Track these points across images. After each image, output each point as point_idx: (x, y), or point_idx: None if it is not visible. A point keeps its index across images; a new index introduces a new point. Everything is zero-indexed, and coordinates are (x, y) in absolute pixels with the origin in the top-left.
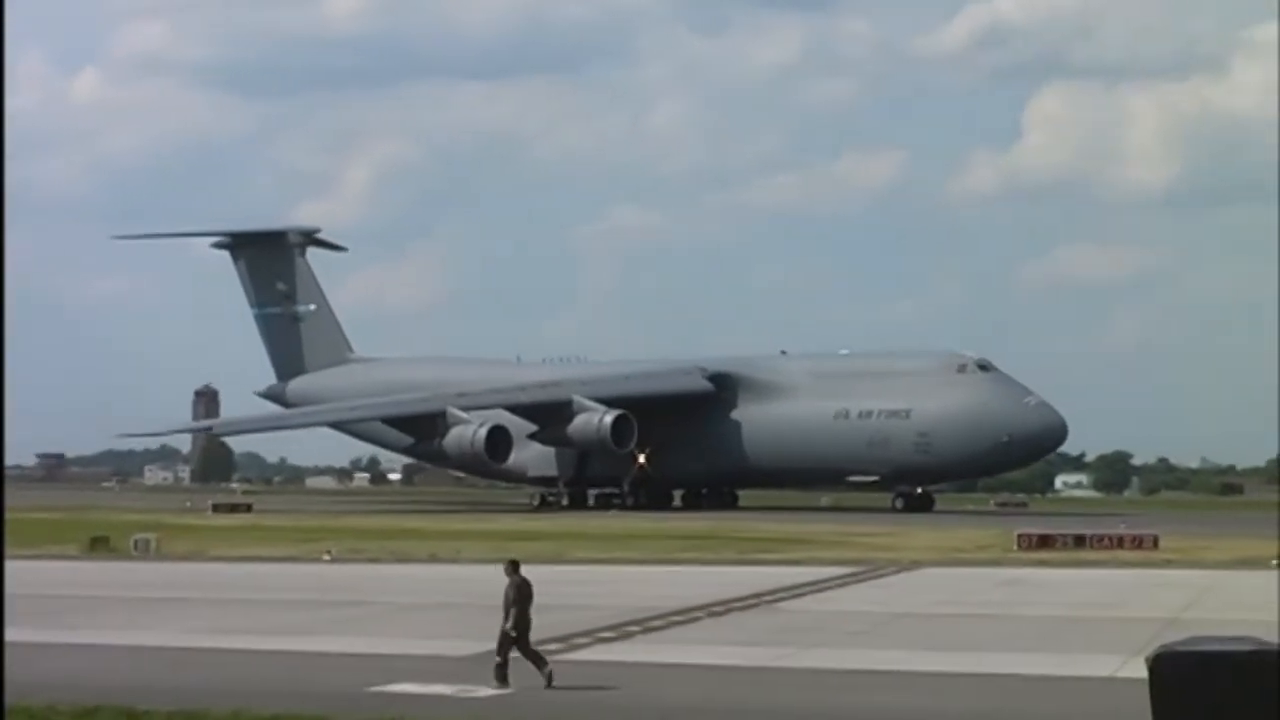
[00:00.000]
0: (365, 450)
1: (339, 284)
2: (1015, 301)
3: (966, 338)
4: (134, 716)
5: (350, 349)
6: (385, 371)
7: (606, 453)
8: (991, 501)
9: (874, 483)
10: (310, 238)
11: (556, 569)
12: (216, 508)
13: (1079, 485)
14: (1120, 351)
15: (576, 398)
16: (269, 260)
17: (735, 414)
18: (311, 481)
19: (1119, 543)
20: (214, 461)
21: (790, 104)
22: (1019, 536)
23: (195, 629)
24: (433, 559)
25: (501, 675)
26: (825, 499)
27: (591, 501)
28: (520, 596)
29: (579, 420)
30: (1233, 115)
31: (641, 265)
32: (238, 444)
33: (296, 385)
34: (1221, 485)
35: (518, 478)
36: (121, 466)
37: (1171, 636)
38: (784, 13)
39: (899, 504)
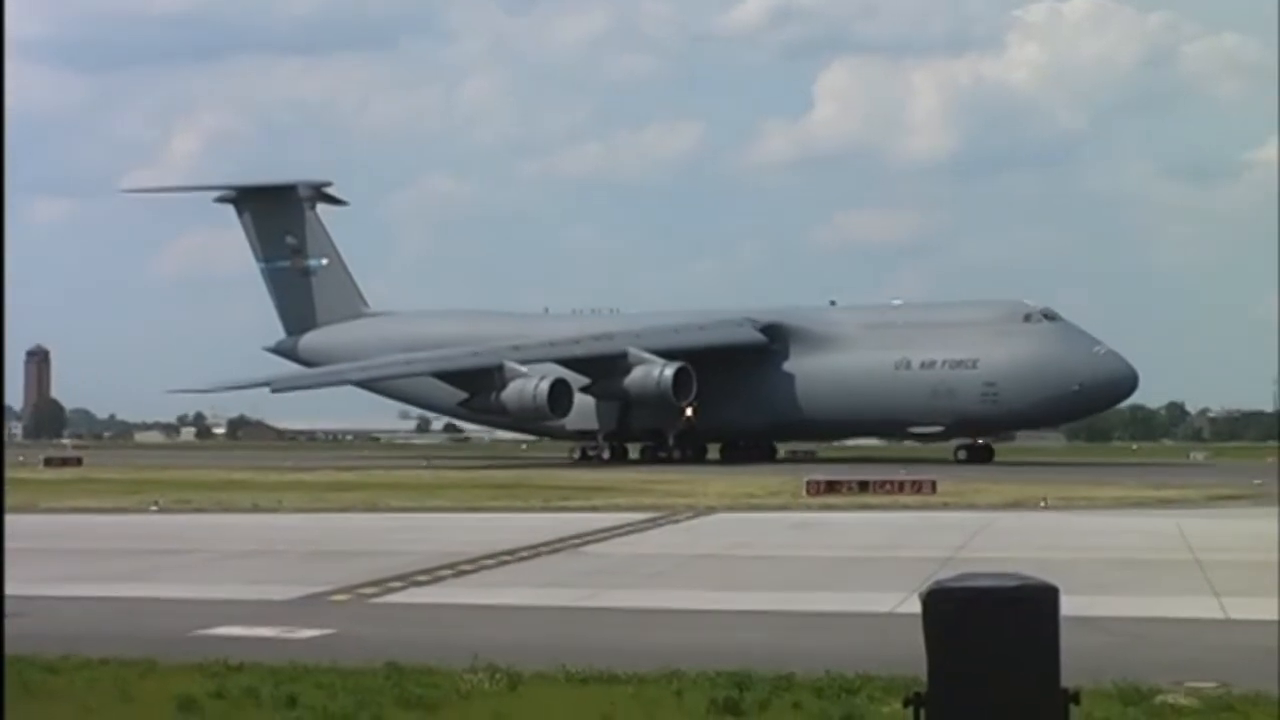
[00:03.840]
0: (192, 406)
1: (164, 249)
2: (807, 262)
3: (763, 294)
4: None
5: (365, 303)
6: (405, 325)
7: (662, 406)
8: (782, 450)
9: (938, 434)
10: (320, 191)
11: (371, 517)
12: (48, 462)
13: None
14: None
15: (632, 350)
16: (277, 214)
17: (788, 365)
18: (140, 436)
19: (900, 488)
20: (45, 418)
21: (596, 78)
22: (808, 483)
23: (25, 577)
24: (255, 509)
25: None
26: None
27: (635, 454)
28: None
29: (637, 373)
30: (1006, 89)
31: (453, 229)
32: (69, 400)
33: (310, 340)
34: None
35: (556, 432)
36: None
37: (945, 574)
38: None
39: (962, 455)
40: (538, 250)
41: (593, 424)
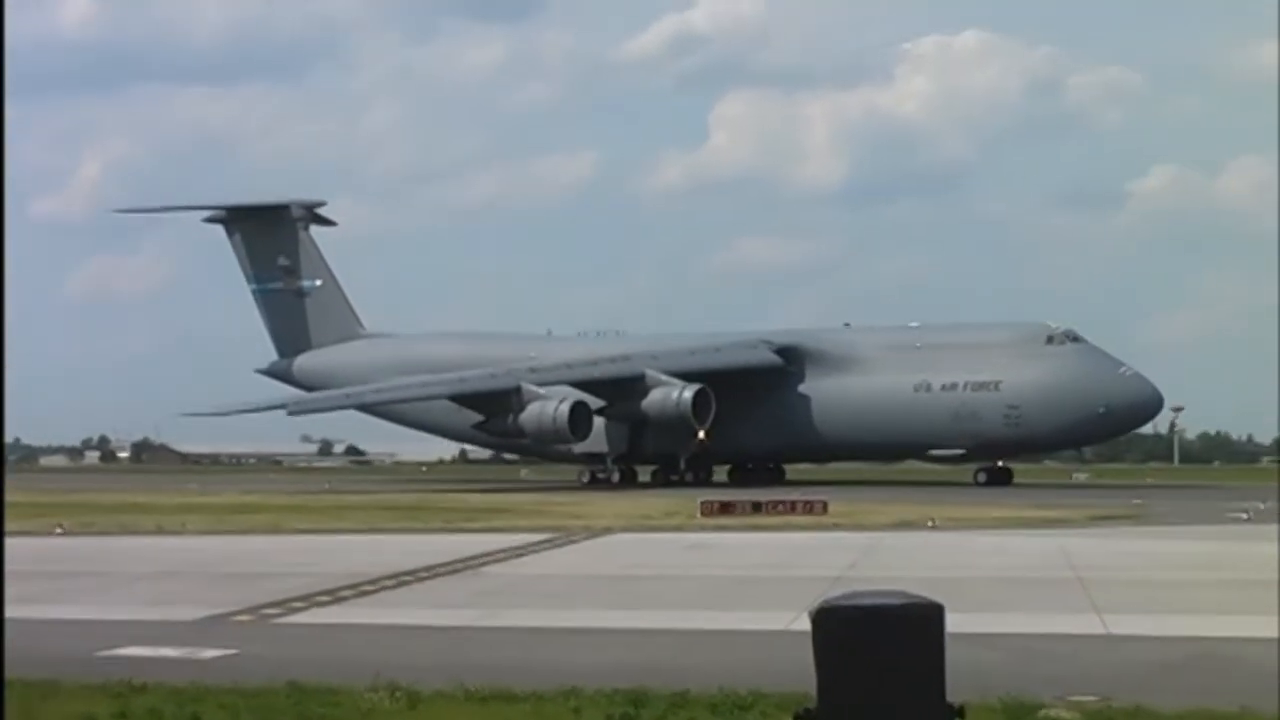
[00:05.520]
0: (95, 429)
1: (68, 273)
2: (699, 287)
3: (654, 318)
4: None
5: (361, 325)
6: (404, 347)
7: (679, 428)
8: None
9: (959, 457)
10: (313, 212)
11: (274, 539)
12: None
13: None
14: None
15: (650, 372)
16: (268, 234)
17: (804, 387)
18: (45, 460)
19: (792, 508)
20: None
21: (494, 107)
22: (702, 503)
23: None
24: (159, 531)
25: None
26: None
27: (646, 477)
28: None
29: (655, 395)
30: (896, 120)
31: (353, 255)
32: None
33: (304, 362)
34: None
35: (564, 456)
36: None
37: (836, 592)
38: (489, 23)
39: (981, 478)
40: (435, 275)
41: (603, 447)
